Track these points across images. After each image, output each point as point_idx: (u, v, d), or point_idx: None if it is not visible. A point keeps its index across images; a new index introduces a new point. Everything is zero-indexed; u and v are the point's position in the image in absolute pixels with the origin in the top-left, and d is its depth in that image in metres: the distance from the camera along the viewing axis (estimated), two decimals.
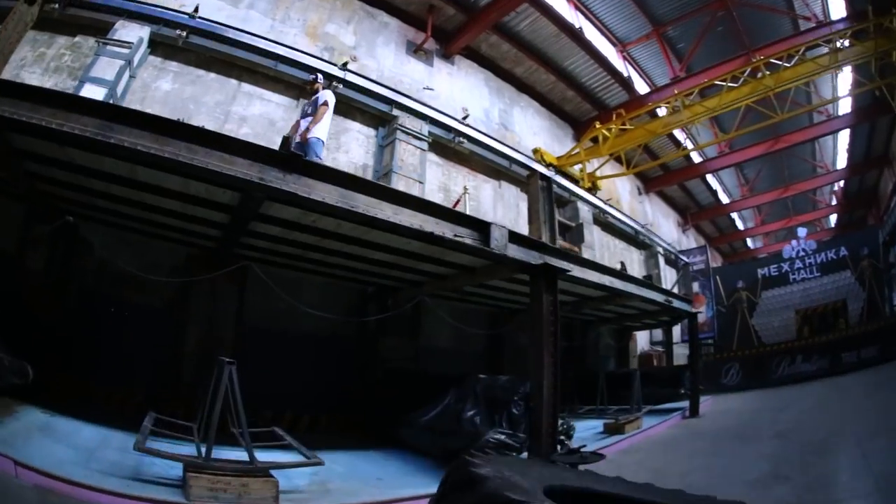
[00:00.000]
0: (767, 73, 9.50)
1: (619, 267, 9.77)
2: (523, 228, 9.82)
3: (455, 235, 3.79)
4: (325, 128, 5.29)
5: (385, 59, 9.09)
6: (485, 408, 4.34)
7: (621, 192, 14.80)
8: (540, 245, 4.57)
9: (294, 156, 3.24)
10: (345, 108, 7.90)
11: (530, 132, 11.77)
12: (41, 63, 6.06)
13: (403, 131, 8.05)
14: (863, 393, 8.11)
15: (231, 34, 6.93)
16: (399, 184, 7.85)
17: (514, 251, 4.19)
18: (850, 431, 5.00)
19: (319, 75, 5.95)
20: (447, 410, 4.49)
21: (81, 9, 6.26)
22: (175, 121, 3.13)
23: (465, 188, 7.51)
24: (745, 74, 9.75)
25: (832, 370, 10.73)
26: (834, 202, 21.63)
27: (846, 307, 11.57)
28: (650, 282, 8.86)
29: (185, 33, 6.57)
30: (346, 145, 7.96)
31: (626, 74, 13.08)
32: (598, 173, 11.92)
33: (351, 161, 8.00)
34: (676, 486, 2.10)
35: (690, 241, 19.50)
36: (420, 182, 8.19)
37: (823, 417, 6.84)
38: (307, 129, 5.09)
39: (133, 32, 6.25)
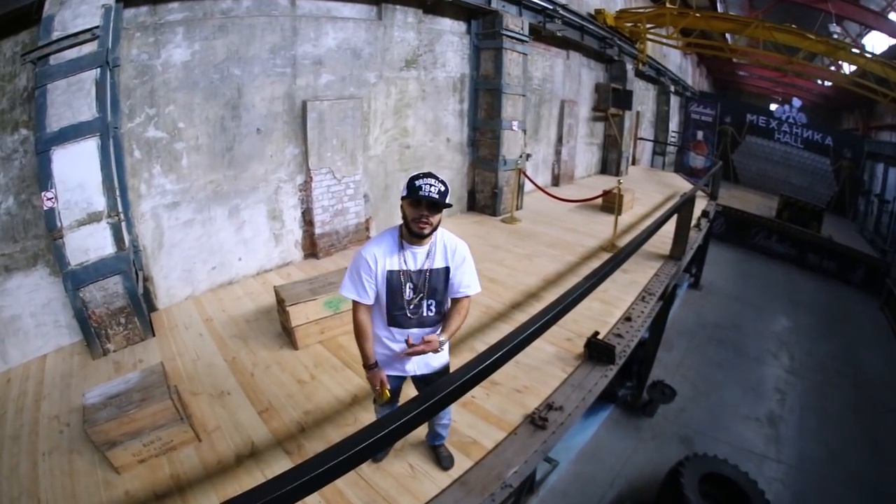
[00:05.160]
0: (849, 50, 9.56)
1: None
2: (584, 96, 10.50)
3: None
4: None
5: None
6: None
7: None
8: None
9: None
10: (432, 4, 6.15)
11: None
12: None
13: (509, 36, 6.58)
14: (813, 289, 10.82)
15: None
16: (507, 104, 6.68)
17: None
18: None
19: (436, 191, 1.72)
20: None
21: None
22: None
23: (619, 182, 6.47)
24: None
25: (797, 262, 12.13)
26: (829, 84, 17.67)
27: (822, 217, 12.71)
28: None
29: None
30: (443, 56, 6.40)
31: None
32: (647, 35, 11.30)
33: (449, 76, 6.53)
34: None
35: (688, 64, 18.66)
36: (522, 95, 7.15)
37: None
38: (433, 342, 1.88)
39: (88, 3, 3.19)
